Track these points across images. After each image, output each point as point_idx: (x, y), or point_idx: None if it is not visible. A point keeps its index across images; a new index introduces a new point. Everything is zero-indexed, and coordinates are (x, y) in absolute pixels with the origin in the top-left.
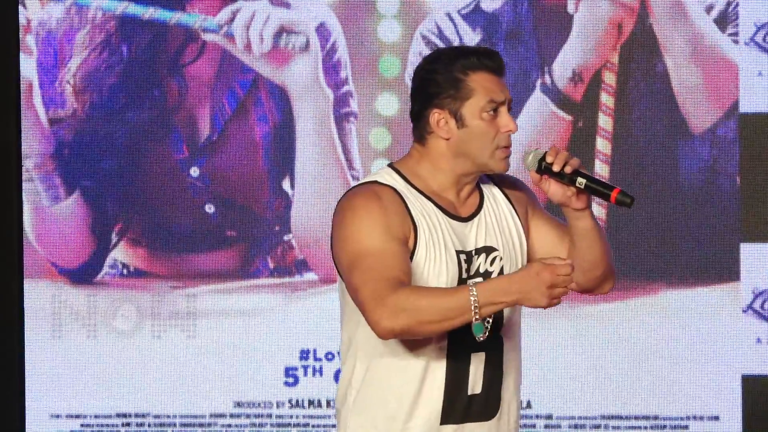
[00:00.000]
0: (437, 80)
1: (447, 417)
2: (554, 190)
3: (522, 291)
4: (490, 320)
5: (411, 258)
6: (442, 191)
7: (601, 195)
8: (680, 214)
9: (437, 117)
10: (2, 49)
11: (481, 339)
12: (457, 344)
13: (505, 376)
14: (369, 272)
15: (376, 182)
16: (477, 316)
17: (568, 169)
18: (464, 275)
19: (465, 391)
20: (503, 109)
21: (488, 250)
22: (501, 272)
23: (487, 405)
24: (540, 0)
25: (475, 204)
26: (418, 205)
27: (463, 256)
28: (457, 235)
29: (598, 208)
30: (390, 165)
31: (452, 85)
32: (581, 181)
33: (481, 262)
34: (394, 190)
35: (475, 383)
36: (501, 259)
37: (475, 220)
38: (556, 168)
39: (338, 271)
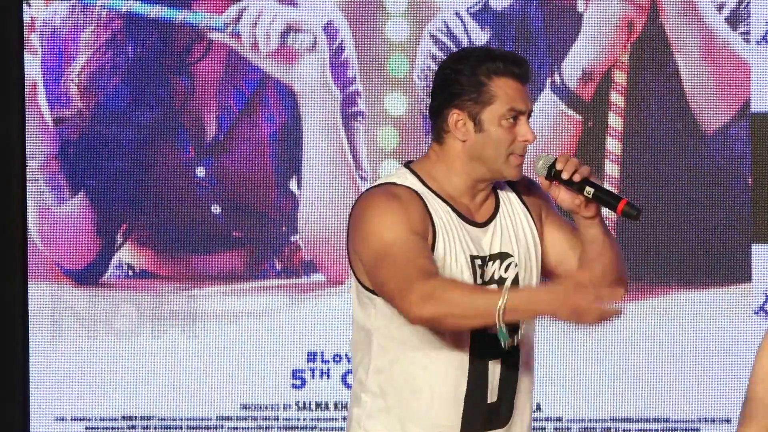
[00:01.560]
0: (461, 81)
1: (467, 425)
2: (563, 196)
3: (551, 310)
4: (518, 332)
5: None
6: (457, 195)
7: (609, 206)
8: (691, 214)
9: (456, 118)
10: (6, 48)
11: (508, 347)
12: (478, 352)
13: (520, 383)
14: (395, 263)
15: (393, 183)
16: (499, 322)
17: (576, 178)
18: (479, 281)
19: (485, 399)
20: (523, 119)
21: (503, 256)
22: (516, 279)
23: (501, 413)
24: None
25: (491, 209)
26: (436, 207)
27: (478, 262)
28: (472, 240)
29: (607, 209)
30: (406, 165)
31: (475, 88)
32: (589, 190)
33: (495, 269)
34: (413, 190)
35: (493, 391)
36: (516, 265)
37: (491, 225)
38: (565, 176)
39: (353, 272)
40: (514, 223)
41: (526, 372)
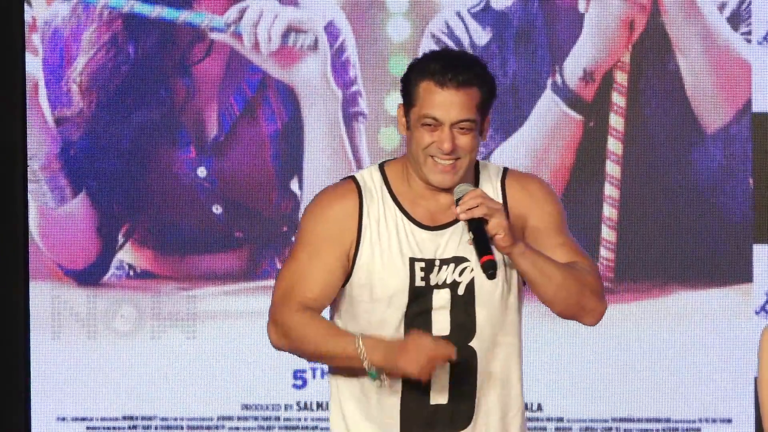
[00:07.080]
0: (408, 77)
1: (407, 425)
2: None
3: (396, 359)
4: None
5: (354, 263)
6: (417, 197)
7: (477, 254)
8: (692, 214)
9: (399, 112)
10: (8, 47)
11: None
12: None
13: (482, 386)
14: (289, 278)
15: (353, 179)
16: (368, 365)
17: (462, 217)
18: (419, 282)
19: (426, 400)
20: (444, 127)
21: (458, 260)
22: (471, 283)
23: (455, 416)
24: None
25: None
26: (380, 210)
27: (420, 264)
28: (417, 242)
29: (610, 209)
30: (381, 163)
31: (408, 87)
32: (470, 235)
33: (448, 273)
34: (359, 194)
35: (439, 393)
36: (472, 270)
37: (450, 229)
38: (457, 210)
39: None
40: None
41: (492, 374)
